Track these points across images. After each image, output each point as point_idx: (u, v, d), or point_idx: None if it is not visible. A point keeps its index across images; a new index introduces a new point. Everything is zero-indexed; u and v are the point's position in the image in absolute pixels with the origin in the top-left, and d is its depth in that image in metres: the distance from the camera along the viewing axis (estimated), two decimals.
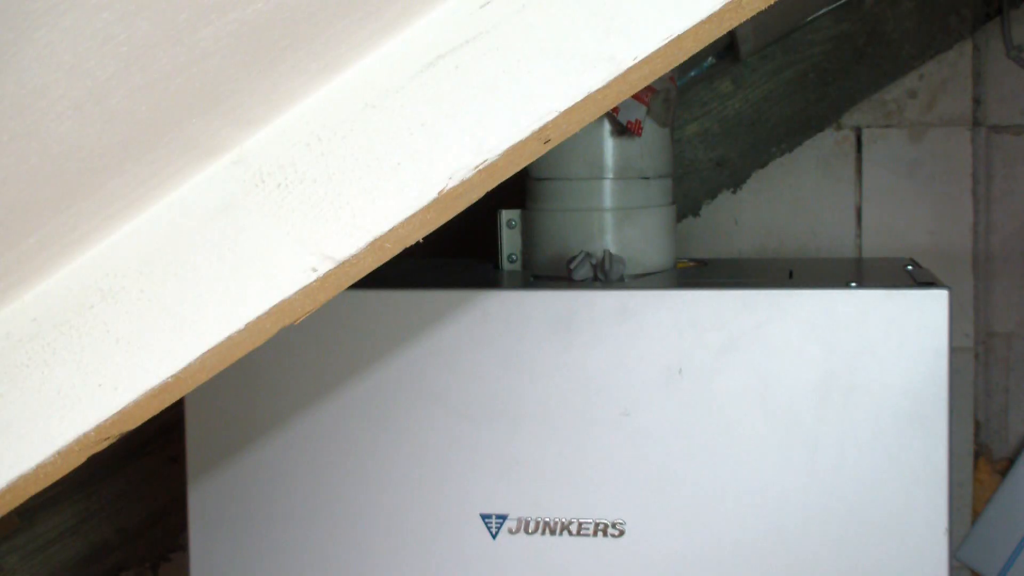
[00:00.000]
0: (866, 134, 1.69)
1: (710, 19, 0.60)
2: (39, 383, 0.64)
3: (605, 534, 1.00)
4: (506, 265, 1.18)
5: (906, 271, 1.10)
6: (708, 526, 0.99)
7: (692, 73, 1.66)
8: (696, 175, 1.71)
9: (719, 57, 1.66)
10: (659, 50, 0.61)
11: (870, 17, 1.65)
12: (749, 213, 1.73)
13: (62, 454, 0.64)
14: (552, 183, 1.13)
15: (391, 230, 0.63)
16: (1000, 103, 1.67)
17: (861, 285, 0.97)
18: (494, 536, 1.03)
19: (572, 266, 1.05)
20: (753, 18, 0.62)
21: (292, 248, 0.63)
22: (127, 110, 0.53)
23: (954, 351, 0.97)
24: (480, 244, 1.26)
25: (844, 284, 0.98)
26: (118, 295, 0.64)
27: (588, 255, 1.07)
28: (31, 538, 1.47)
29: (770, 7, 0.62)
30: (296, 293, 0.63)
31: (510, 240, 1.17)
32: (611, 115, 1.09)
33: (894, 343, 0.96)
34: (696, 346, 0.99)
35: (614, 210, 1.11)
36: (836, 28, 1.64)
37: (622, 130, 1.10)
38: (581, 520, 1.01)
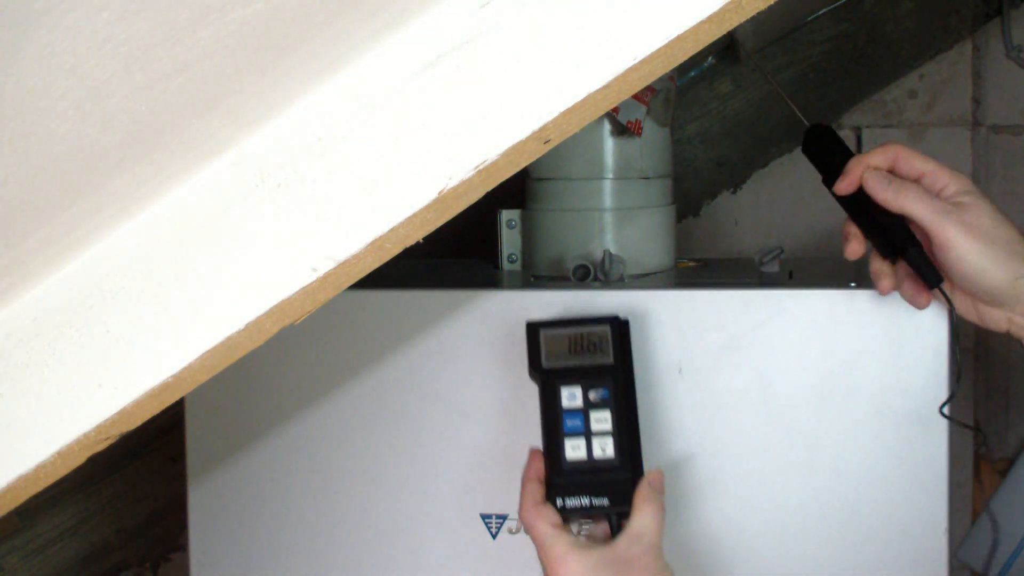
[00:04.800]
0: (866, 134, 1.69)
1: (710, 19, 0.60)
2: (39, 383, 0.64)
3: None
4: (506, 265, 1.18)
5: None
6: (707, 526, 0.99)
7: (692, 73, 1.66)
8: (696, 175, 1.71)
9: (719, 57, 1.66)
10: (659, 50, 0.61)
11: (870, 17, 1.65)
12: (749, 213, 1.73)
13: (62, 454, 0.64)
14: (552, 183, 1.13)
15: (391, 230, 0.63)
16: (1000, 103, 1.68)
17: (861, 285, 0.97)
18: (494, 536, 1.03)
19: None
20: (753, 18, 0.62)
21: (292, 248, 0.63)
22: (127, 110, 0.53)
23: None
24: (480, 244, 1.26)
25: (844, 284, 0.98)
26: (118, 295, 0.64)
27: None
28: (31, 538, 1.47)
29: (770, 7, 0.62)
30: (296, 293, 0.63)
31: (510, 240, 1.17)
32: (611, 115, 1.09)
33: (894, 343, 0.96)
34: (696, 346, 0.99)
35: (614, 210, 1.11)
36: (836, 28, 1.64)
37: (622, 130, 1.10)
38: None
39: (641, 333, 1.00)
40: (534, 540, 0.87)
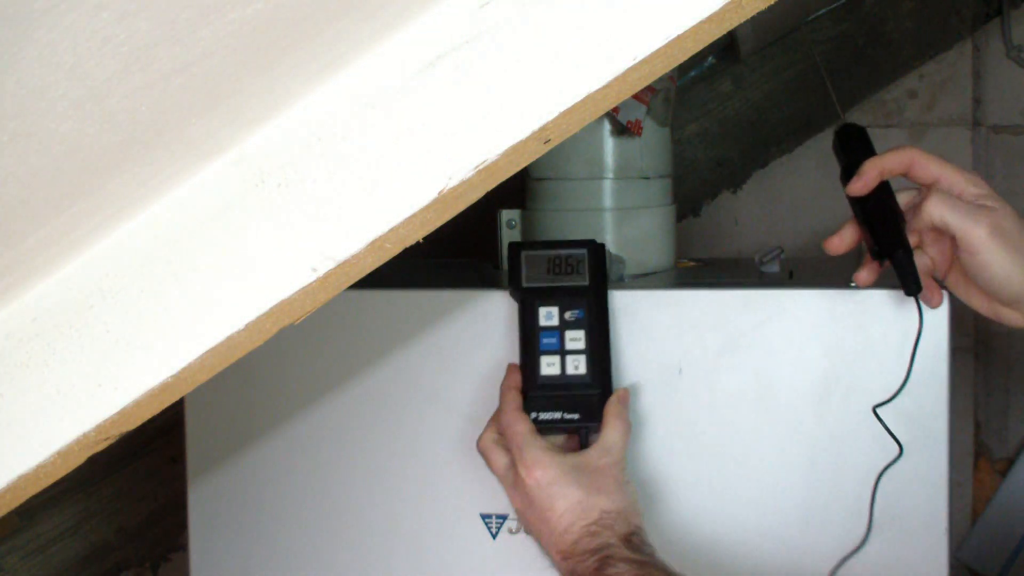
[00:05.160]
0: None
1: (710, 19, 0.60)
2: (39, 383, 0.64)
3: None
4: (506, 265, 1.18)
5: None
6: (707, 526, 0.99)
7: (692, 73, 1.66)
8: (696, 175, 1.71)
9: (719, 57, 1.66)
10: (659, 50, 0.61)
11: (870, 17, 1.65)
12: (749, 213, 1.73)
13: (62, 454, 0.64)
14: (552, 183, 1.13)
15: (391, 230, 0.63)
16: (1000, 103, 1.68)
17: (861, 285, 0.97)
18: (494, 536, 1.03)
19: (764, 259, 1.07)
20: (753, 18, 0.62)
21: (292, 248, 0.63)
22: (127, 110, 0.53)
23: (954, 351, 0.97)
24: (480, 244, 1.26)
25: (844, 284, 0.98)
26: (118, 295, 0.64)
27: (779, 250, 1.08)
28: (31, 538, 1.47)
29: (770, 7, 0.62)
30: (296, 293, 0.63)
31: (510, 240, 1.17)
32: (611, 115, 1.09)
33: (894, 343, 0.96)
34: (696, 346, 0.99)
35: (614, 210, 1.11)
36: (836, 28, 1.64)
37: (622, 130, 1.10)
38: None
39: (641, 333, 1.00)
40: (511, 442, 0.92)
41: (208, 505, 1.08)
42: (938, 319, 0.95)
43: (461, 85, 0.63)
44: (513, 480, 0.92)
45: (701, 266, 1.21)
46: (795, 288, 0.99)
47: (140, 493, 1.61)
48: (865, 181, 0.91)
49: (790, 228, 1.70)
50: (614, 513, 0.89)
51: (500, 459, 0.94)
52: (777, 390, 0.98)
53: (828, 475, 0.97)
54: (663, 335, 0.99)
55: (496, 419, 0.95)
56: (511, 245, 1.00)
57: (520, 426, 0.92)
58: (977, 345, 1.69)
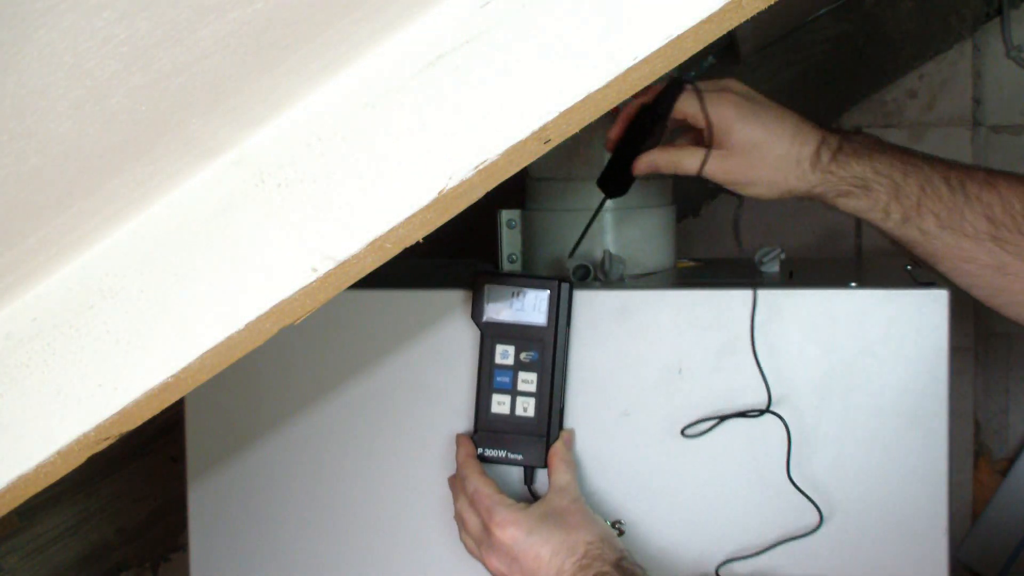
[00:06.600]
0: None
1: (710, 19, 0.60)
2: (39, 383, 0.64)
3: None
4: (506, 265, 1.18)
5: (906, 271, 1.10)
6: (708, 526, 0.99)
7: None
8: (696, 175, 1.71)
9: (719, 57, 1.65)
10: (659, 50, 0.61)
11: (870, 17, 1.65)
12: (749, 213, 1.73)
13: (62, 454, 0.64)
14: (552, 183, 1.13)
15: (391, 230, 0.63)
16: (1000, 103, 1.67)
17: (861, 285, 0.97)
18: None
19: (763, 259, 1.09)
20: (753, 18, 0.62)
21: (292, 248, 0.63)
22: (127, 110, 0.53)
23: (954, 351, 0.97)
24: (480, 244, 1.26)
25: (844, 284, 0.98)
26: (118, 295, 0.64)
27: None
28: (31, 538, 1.47)
29: (770, 7, 0.62)
30: (296, 293, 0.63)
31: (510, 240, 1.17)
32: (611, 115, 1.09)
33: (894, 343, 0.96)
34: (696, 346, 0.99)
35: (614, 210, 1.11)
36: (836, 28, 1.64)
37: None
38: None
39: (641, 333, 1.00)
40: (479, 505, 0.95)
41: (208, 505, 1.08)
42: (938, 319, 0.95)
43: (461, 85, 0.63)
44: (490, 543, 0.94)
45: (701, 266, 1.21)
46: (795, 288, 0.99)
47: (140, 493, 1.61)
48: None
49: (790, 228, 1.70)
50: (597, 543, 0.92)
51: (474, 520, 0.96)
52: (777, 390, 0.98)
53: (827, 475, 0.97)
54: (663, 335, 0.99)
55: (462, 488, 0.98)
56: (475, 274, 1.00)
57: (486, 489, 0.96)
58: (977, 345, 1.69)
